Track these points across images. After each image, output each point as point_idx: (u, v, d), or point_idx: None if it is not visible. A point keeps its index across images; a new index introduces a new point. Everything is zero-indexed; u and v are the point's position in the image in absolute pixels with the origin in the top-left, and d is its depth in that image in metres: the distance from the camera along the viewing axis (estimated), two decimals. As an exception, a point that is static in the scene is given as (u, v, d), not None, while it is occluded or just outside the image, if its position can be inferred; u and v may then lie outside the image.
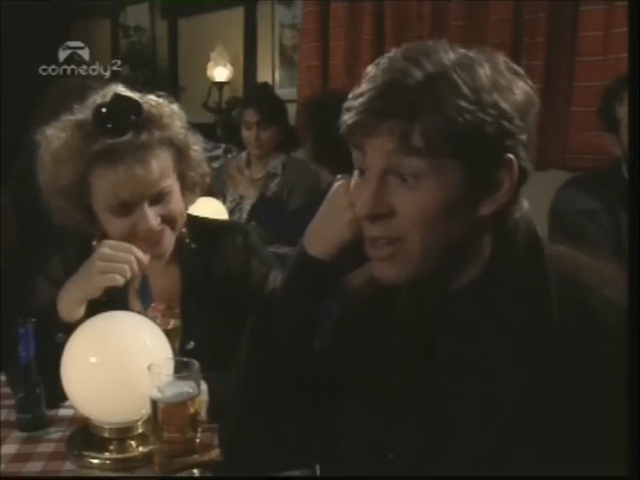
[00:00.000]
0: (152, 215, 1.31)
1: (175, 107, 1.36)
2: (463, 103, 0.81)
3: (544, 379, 0.85)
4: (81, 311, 1.28)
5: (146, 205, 1.30)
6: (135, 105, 1.29)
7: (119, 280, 1.26)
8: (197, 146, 1.40)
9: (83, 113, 1.31)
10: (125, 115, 1.28)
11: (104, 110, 1.28)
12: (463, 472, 0.88)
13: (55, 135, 1.31)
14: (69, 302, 1.29)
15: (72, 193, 1.31)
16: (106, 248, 1.27)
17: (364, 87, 0.85)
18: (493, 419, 0.87)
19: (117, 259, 1.26)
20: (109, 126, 1.26)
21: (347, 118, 0.86)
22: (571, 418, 0.83)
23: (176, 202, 1.35)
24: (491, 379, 0.88)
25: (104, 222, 1.34)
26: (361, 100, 0.84)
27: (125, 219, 1.31)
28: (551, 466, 0.84)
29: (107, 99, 1.30)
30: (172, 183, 1.34)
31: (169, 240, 1.36)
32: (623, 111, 1.93)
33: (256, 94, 3.51)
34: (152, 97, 1.34)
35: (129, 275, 1.26)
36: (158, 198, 1.32)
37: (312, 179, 3.05)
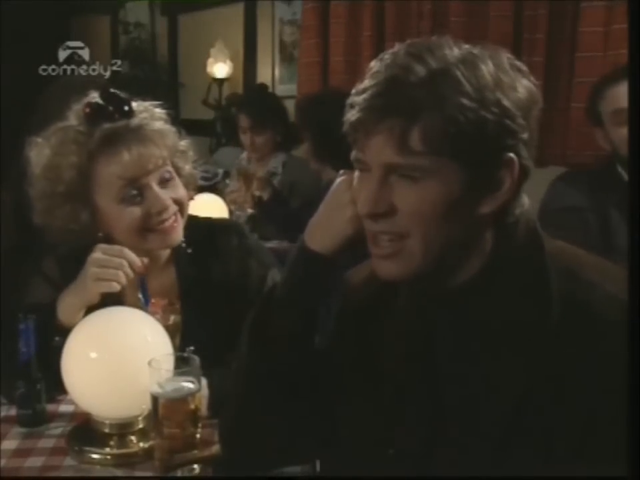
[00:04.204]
0: (163, 195, 1.32)
1: (157, 108, 1.38)
2: (465, 101, 0.81)
3: (544, 376, 0.85)
4: (80, 316, 1.28)
5: (154, 184, 1.31)
6: (124, 98, 1.33)
7: (115, 287, 1.27)
8: (185, 141, 1.42)
9: (67, 120, 1.33)
10: (118, 105, 1.31)
11: (96, 105, 1.31)
12: (463, 469, 0.88)
13: (44, 143, 1.32)
14: (69, 308, 1.29)
15: (76, 192, 1.31)
16: (98, 253, 1.28)
17: (367, 82, 0.85)
18: (493, 416, 0.87)
19: (109, 264, 1.26)
20: (108, 110, 1.29)
21: (350, 115, 0.86)
22: (571, 416, 0.83)
23: (181, 187, 1.37)
24: (491, 375, 0.88)
25: (114, 217, 1.33)
26: (363, 96, 0.84)
27: (136, 208, 1.31)
28: (551, 465, 0.84)
29: (95, 98, 1.33)
30: (171, 169, 1.36)
31: (180, 229, 1.37)
32: (604, 105, 1.97)
33: (249, 99, 3.49)
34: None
35: (123, 280, 1.27)
36: (164, 181, 1.33)
37: (313, 176, 3.00)
